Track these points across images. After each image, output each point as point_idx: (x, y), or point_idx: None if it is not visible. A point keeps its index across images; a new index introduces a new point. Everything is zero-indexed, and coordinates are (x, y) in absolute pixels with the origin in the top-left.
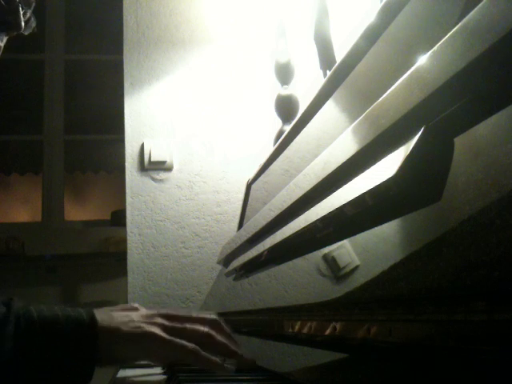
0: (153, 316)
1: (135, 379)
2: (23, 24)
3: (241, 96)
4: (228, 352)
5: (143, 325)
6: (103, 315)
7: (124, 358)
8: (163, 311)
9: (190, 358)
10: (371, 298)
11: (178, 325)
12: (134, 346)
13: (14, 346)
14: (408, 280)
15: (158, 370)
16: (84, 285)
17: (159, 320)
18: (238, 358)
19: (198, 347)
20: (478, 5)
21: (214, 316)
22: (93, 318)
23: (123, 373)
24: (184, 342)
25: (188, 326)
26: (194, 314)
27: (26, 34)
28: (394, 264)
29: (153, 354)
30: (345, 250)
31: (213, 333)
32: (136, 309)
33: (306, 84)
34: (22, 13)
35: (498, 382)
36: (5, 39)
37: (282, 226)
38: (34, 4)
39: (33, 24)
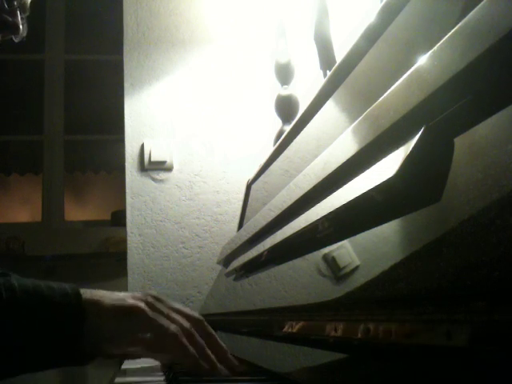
0: (140, 295)
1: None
2: (21, 27)
3: (241, 96)
4: (204, 357)
5: (128, 299)
6: (85, 290)
7: (109, 337)
8: (153, 293)
9: (169, 341)
10: (371, 298)
11: (164, 309)
12: (119, 320)
13: None
14: (408, 280)
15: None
16: (84, 285)
17: (146, 297)
18: (213, 368)
19: (180, 330)
20: (478, 5)
21: (200, 316)
22: (76, 290)
23: (121, 379)
24: (167, 323)
25: (173, 314)
26: (181, 308)
27: (17, 41)
28: (394, 264)
29: (136, 330)
30: (345, 250)
31: (194, 332)
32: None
33: (306, 84)
34: (20, 17)
35: (498, 382)
36: None
37: (282, 226)
38: (28, 13)
39: (24, 32)
